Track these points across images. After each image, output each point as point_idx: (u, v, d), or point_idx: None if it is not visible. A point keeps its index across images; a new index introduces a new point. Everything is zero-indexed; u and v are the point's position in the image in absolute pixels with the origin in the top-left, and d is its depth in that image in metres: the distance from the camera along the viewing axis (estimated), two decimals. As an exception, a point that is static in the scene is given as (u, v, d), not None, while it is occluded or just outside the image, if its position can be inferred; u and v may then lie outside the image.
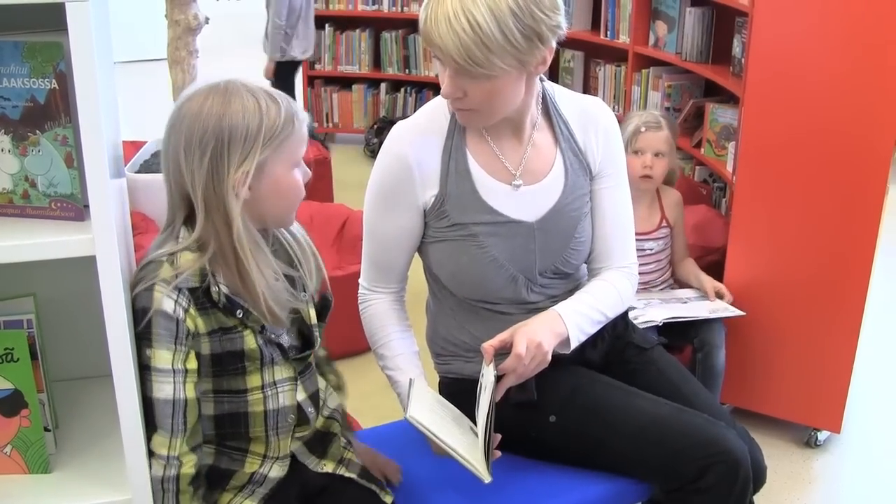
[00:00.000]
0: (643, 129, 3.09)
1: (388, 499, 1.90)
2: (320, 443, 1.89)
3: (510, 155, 2.03)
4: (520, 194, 2.02)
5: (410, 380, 1.98)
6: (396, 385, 2.06)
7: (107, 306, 1.49)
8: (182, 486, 1.65)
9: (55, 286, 1.74)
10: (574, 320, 1.99)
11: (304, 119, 1.72)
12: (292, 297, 1.79)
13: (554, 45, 1.87)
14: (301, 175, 1.73)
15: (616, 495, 2.04)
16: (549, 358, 1.92)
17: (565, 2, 5.45)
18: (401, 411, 1.95)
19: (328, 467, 1.88)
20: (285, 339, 1.80)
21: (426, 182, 2.00)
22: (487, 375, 1.88)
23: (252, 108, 1.63)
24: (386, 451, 2.09)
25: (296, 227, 1.86)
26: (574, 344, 1.99)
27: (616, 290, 2.10)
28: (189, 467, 1.65)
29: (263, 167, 1.65)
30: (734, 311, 3.01)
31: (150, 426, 1.63)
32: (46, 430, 1.66)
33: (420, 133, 2.01)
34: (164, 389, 1.62)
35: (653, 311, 2.93)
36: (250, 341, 1.73)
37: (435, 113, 2.04)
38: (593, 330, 2.05)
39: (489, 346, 1.91)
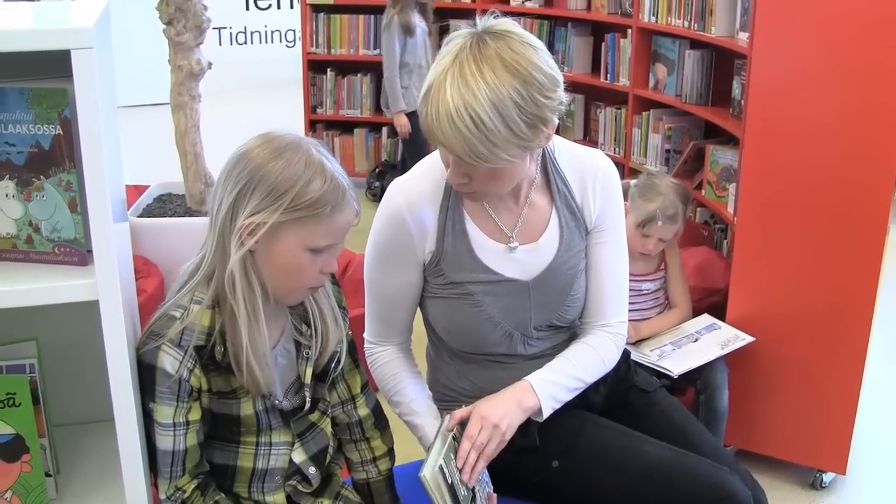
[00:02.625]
0: (660, 223, 3.06)
1: None
2: (319, 485, 1.89)
3: (505, 216, 2.01)
4: (515, 254, 2.00)
5: (444, 420, 1.94)
6: (416, 429, 2.05)
7: (109, 351, 1.49)
8: (192, 501, 1.71)
9: (57, 331, 1.74)
10: (547, 391, 1.97)
11: (347, 216, 1.69)
12: (283, 368, 1.80)
13: (557, 120, 1.82)
14: (314, 263, 1.70)
15: (620, 539, 2.02)
16: (508, 437, 1.90)
17: (564, 45, 5.52)
18: (412, 453, 1.96)
19: None
20: (286, 404, 1.80)
21: (424, 240, 1.98)
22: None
23: (295, 170, 1.63)
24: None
25: (327, 288, 1.85)
26: (547, 413, 1.97)
27: (598, 354, 2.07)
28: (191, 488, 1.70)
29: (277, 232, 1.64)
30: (745, 339, 3.00)
31: (153, 470, 1.69)
32: (48, 475, 1.65)
33: (416, 193, 1.98)
34: (164, 442, 1.67)
35: (667, 362, 2.92)
36: (247, 408, 1.74)
37: (432, 172, 2.01)
38: (569, 397, 2.02)
39: (451, 423, 1.90)
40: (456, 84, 1.71)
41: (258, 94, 9.90)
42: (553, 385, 1.98)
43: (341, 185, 1.68)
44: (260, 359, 1.68)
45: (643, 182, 3.15)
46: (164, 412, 1.65)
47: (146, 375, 1.63)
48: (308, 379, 1.83)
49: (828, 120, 2.79)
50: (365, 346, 2.14)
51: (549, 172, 2.03)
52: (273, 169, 1.63)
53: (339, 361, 1.88)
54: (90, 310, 1.46)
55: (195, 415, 1.69)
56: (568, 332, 2.12)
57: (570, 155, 2.06)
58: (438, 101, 1.72)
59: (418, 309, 2.11)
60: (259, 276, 1.68)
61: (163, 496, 1.70)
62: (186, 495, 1.70)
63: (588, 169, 2.05)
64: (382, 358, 2.12)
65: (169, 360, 1.62)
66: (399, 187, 2.00)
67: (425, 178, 2.01)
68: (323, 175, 1.65)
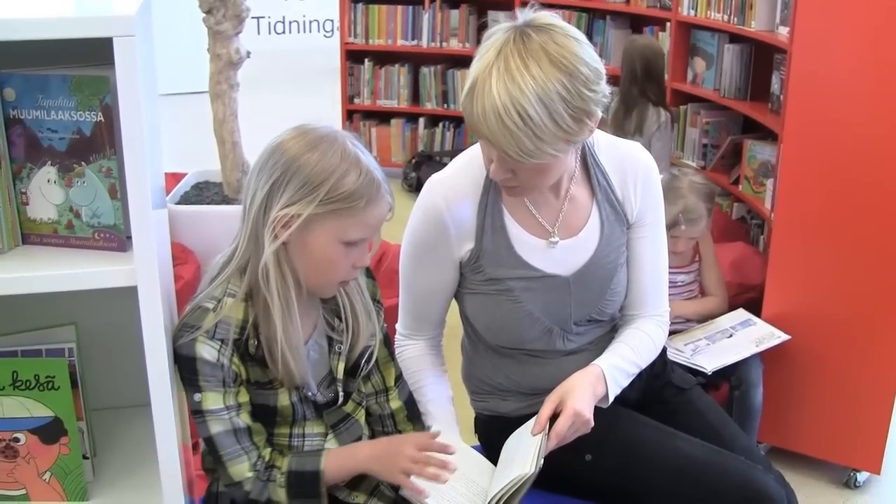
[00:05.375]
0: (683, 227, 3.06)
1: None
2: (354, 478, 1.89)
3: (546, 211, 2.00)
4: (556, 249, 2.00)
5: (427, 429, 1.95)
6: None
7: (147, 336, 1.51)
8: (280, 464, 1.72)
9: (96, 316, 1.76)
10: (613, 376, 1.97)
11: (381, 210, 1.70)
12: (315, 363, 1.80)
13: (601, 113, 1.80)
14: (347, 257, 1.70)
15: (651, 534, 2.02)
16: (592, 424, 1.91)
17: (603, 38, 5.50)
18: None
19: (359, 499, 1.88)
20: (320, 397, 1.81)
21: (462, 237, 1.98)
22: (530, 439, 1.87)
23: (331, 162, 1.64)
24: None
25: (361, 282, 1.86)
26: (611, 399, 1.98)
27: (651, 339, 2.08)
28: (268, 451, 1.73)
29: (311, 224, 1.65)
30: (780, 337, 2.98)
31: (220, 463, 1.69)
32: (85, 458, 1.68)
33: (455, 189, 1.97)
34: (222, 425, 1.67)
35: (701, 358, 2.91)
36: (284, 398, 1.75)
37: (470, 167, 1.99)
38: (628, 382, 2.03)
39: (539, 427, 1.88)
40: (502, 79, 1.69)
41: (296, 83, 9.92)
42: (619, 371, 1.99)
43: (376, 178, 1.68)
44: (294, 350, 1.69)
45: (665, 184, 3.12)
46: (214, 398, 1.65)
47: (187, 367, 1.64)
48: (340, 374, 1.84)
49: (869, 117, 2.76)
50: (396, 337, 2.14)
51: (588, 166, 2.02)
52: (308, 161, 1.63)
53: (371, 356, 1.89)
54: (129, 295, 1.48)
55: (244, 397, 1.70)
56: (608, 326, 2.11)
57: (610, 148, 2.05)
58: (484, 97, 1.70)
59: (454, 302, 2.11)
60: (292, 268, 1.69)
61: (248, 474, 1.69)
62: (267, 459, 1.71)
63: (628, 163, 2.04)
64: (410, 352, 2.12)
65: (207, 350, 1.64)
66: (437, 184, 1.99)
67: (464, 173, 2.00)
68: (358, 168, 1.65)
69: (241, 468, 1.69)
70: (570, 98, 1.71)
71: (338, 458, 1.77)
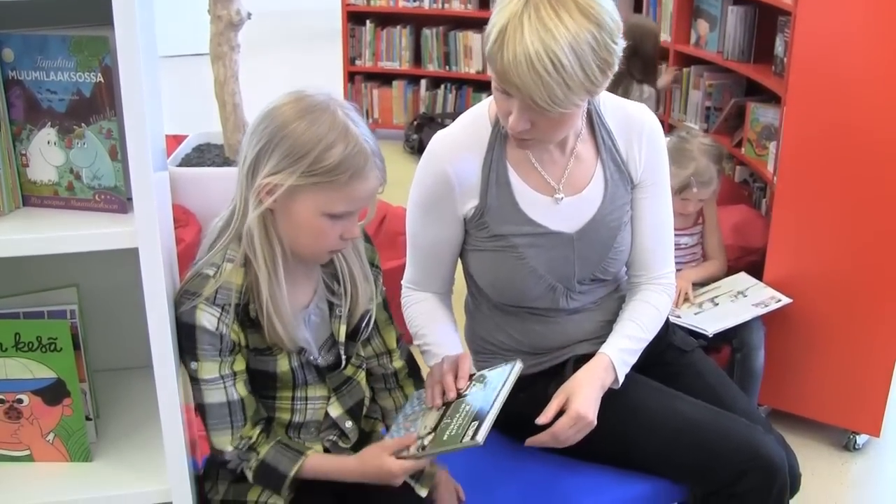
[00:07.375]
0: (695, 189, 3.05)
1: (423, 492, 1.91)
2: (358, 440, 1.91)
3: (551, 168, 2.00)
4: (560, 206, 2.00)
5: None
6: (429, 355, 2.05)
7: (148, 298, 1.51)
8: (260, 450, 1.74)
9: (98, 277, 1.76)
10: (623, 360, 1.98)
11: (368, 184, 1.67)
12: (317, 326, 1.80)
13: (616, 68, 1.80)
14: (333, 228, 1.68)
15: (651, 495, 2.03)
16: (594, 424, 1.90)
17: None
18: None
19: None
20: (321, 360, 1.82)
21: (466, 194, 1.98)
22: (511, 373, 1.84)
23: (317, 132, 1.61)
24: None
25: (359, 246, 1.85)
26: (621, 382, 1.98)
27: (657, 310, 2.08)
28: (256, 433, 1.74)
29: (294, 194, 1.63)
30: (781, 300, 2.98)
31: (206, 430, 1.71)
32: (88, 419, 1.69)
33: (460, 146, 1.98)
34: (215, 395, 1.68)
35: (702, 321, 2.91)
36: (283, 364, 1.75)
37: (475, 124, 2.00)
38: (635, 359, 2.03)
39: (544, 418, 1.88)
40: (534, 28, 1.68)
41: (297, 45, 9.89)
42: (628, 353, 2.00)
43: (365, 150, 1.65)
44: (281, 315, 1.68)
45: (675, 146, 3.12)
46: (209, 368, 1.66)
47: (185, 335, 1.64)
48: (342, 337, 1.84)
49: (871, 79, 2.75)
50: (402, 291, 2.15)
51: (594, 125, 2.02)
52: (296, 129, 1.61)
53: (370, 320, 1.89)
54: (130, 257, 1.48)
55: (240, 365, 1.70)
56: (611, 286, 2.12)
57: (616, 108, 2.05)
58: (516, 45, 1.69)
59: (459, 263, 2.12)
60: (279, 234, 1.68)
61: (229, 448, 1.71)
62: (253, 440, 1.73)
63: (634, 123, 2.04)
64: (418, 305, 2.12)
65: (207, 318, 1.63)
66: (441, 140, 2.00)
67: (469, 130, 2.00)
68: (346, 140, 1.62)
69: (224, 440, 1.71)
70: (598, 49, 1.72)
71: (322, 467, 1.77)
